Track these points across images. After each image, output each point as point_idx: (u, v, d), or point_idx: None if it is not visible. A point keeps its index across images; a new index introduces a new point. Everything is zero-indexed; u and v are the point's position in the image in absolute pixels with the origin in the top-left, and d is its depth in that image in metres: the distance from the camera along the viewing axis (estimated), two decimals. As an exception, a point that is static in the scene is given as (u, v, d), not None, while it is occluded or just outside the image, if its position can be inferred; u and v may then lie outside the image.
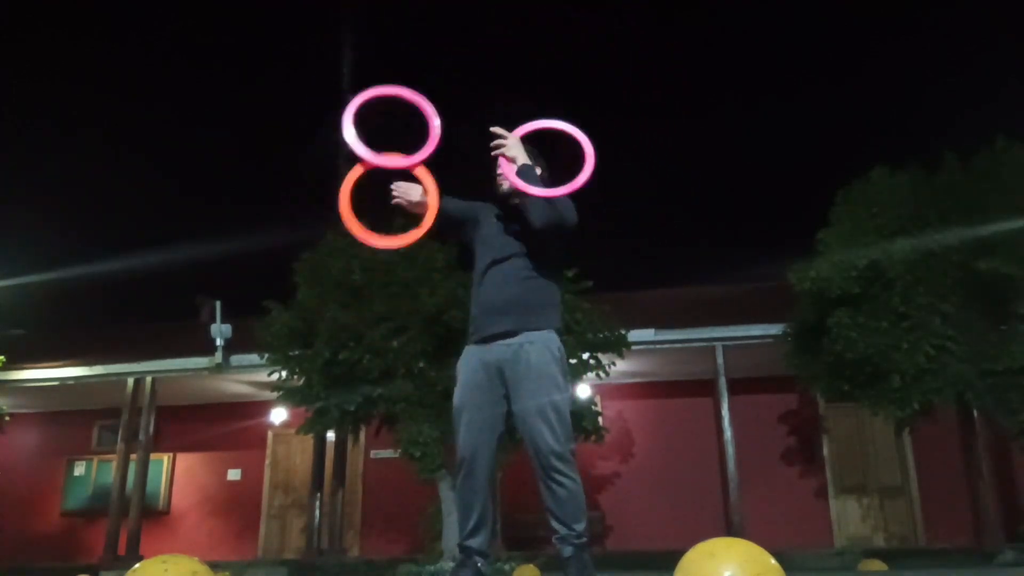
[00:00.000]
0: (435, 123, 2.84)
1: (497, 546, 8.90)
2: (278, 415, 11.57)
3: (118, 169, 32.73)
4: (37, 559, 12.03)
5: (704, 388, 11.41)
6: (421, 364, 7.78)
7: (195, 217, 32.96)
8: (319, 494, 10.69)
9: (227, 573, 7.23)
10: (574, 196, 2.88)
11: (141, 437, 11.12)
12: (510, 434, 3.00)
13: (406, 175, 2.93)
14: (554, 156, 2.99)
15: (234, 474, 12.68)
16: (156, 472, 12.39)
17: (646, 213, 29.58)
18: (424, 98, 2.86)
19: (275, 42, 34.93)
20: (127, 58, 34.72)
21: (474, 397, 2.88)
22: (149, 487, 11.70)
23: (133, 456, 11.08)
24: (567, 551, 2.74)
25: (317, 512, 10.62)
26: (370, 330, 7.84)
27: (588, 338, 8.25)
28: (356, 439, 9.73)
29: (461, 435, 2.88)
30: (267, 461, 12.59)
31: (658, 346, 10.40)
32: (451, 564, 4.65)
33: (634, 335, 9.15)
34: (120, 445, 11.06)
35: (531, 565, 6.89)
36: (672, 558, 2.14)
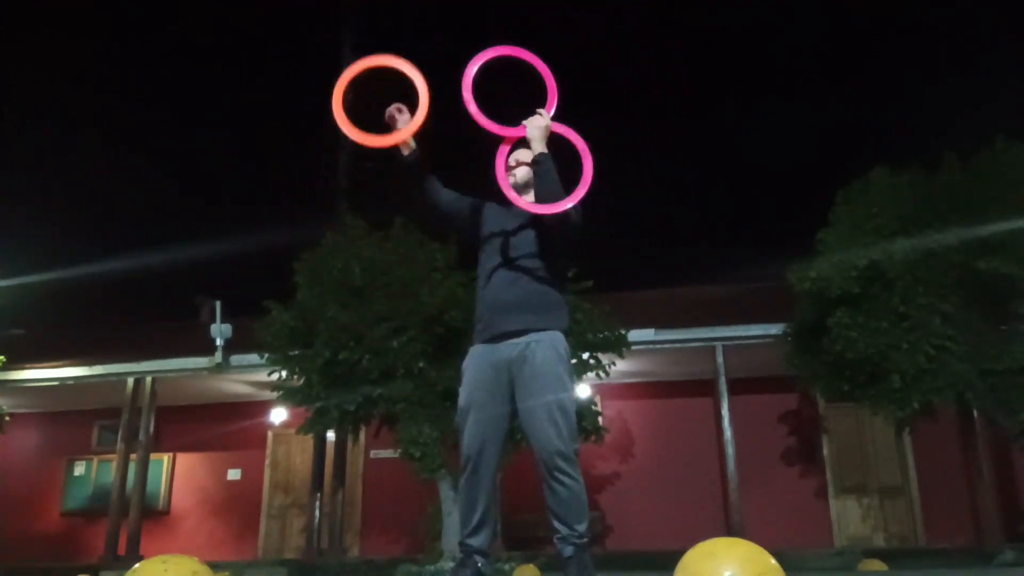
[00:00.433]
0: (552, 84, 3.06)
1: (497, 546, 8.90)
2: (278, 415, 11.57)
3: (118, 169, 32.78)
4: (37, 559, 12.03)
5: (704, 388, 11.41)
6: (421, 364, 7.78)
7: (195, 217, 33.01)
8: (319, 494, 10.69)
9: (227, 573, 7.22)
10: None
11: (141, 437, 11.12)
12: (510, 435, 3.00)
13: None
14: (554, 156, 2.98)
15: (234, 474, 12.68)
16: (156, 472, 12.38)
17: (646, 213, 29.62)
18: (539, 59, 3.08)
19: (275, 42, 34.94)
20: (127, 58, 34.77)
21: (481, 396, 2.88)
22: (149, 487, 11.70)
23: (133, 456, 11.08)
24: (568, 551, 2.73)
25: (317, 512, 10.62)
26: (370, 330, 7.84)
27: (588, 338, 8.26)
28: (356, 439, 9.73)
29: (467, 433, 2.87)
30: (267, 461, 12.59)
31: (658, 346, 10.40)
32: (451, 564, 4.65)
33: (634, 335, 9.16)
34: (120, 445, 11.06)
35: (531, 565, 6.90)
36: (672, 558, 2.14)
